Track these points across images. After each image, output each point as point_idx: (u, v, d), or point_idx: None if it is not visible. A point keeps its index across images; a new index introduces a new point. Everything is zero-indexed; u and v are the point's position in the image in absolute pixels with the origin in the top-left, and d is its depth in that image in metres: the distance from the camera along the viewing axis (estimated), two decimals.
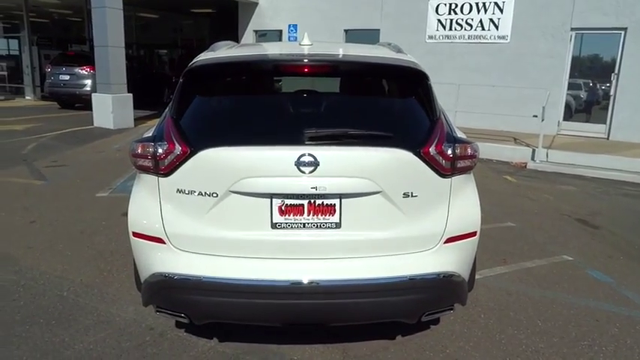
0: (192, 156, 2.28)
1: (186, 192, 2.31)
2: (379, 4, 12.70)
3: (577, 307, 3.44)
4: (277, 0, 14.20)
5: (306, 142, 2.25)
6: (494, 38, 11.50)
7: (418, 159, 2.30)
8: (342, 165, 2.25)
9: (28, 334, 2.95)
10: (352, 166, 2.26)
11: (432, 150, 2.31)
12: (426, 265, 2.37)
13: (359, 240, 2.32)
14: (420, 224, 2.37)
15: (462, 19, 11.80)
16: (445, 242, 2.41)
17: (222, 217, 2.30)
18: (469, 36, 11.75)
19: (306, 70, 2.48)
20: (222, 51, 2.85)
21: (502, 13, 11.35)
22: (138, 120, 11.96)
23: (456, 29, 11.89)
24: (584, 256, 4.46)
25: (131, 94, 11.54)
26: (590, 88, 11.60)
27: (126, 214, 2.53)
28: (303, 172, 2.22)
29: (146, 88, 14.98)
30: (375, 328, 2.92)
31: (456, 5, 11.80)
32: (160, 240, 2.37)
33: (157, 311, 2.50)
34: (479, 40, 11.61)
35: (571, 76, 11.19)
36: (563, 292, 3.68)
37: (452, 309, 2.53)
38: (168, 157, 2.31)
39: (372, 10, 12.75)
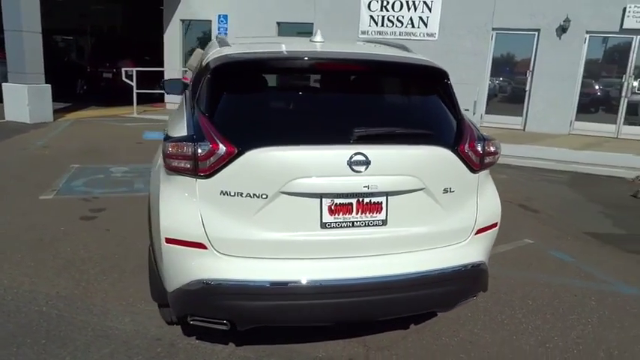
0: (239, 156, 2.17)
1: (232, 194, 2.20)
2: None
3: (554, 285, 3.76)
4: None
5: (356, 141, 2.24)
6: (424, 35, 12.03)
7: (455, 156, 2.40)
8: (391, 163, 2.28)
9: (18, 358, 2.66)
10: (400, 164, 2.30)
11: (466, 147, 2.42)
12: (462, 257, 2.48)
13: (404, 236, 2.36)
14: (456, 218, 2.48)
15: (394, 16, 12.21)
16: (475, 234, 2.53)
17: (271, 219, 2.23)
18: (400, 33, 12.18)
19: (343, 68, 2.46)
20: (241, 46, 2.74)
21: (430, 11, 11.91)
22: (56, 113, 11.02)
23: (387, 26, 12.27)
24: (539, 238, 4.87)
25: (49, 85, 10.58)
26: (508, 84, 12.57)
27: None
28: (355, 171, 2.21)
29: (57, 79, 13.85)
30: (389, 319, 3.00)
31: (388, 2, 12.18)
32: (200, 245, 2.23)
33: (192, 320, 2.37)
34: (409, 37, 12.07)
35: (492, 73, 12.05)
36: (538, 273, 4.01)
37: (476, 296, 2.67)
38: (211, 157, 2.18)
39: (306, 4, 12.75)
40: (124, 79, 12.48)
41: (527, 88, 11.69)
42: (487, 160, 2.51)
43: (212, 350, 2.78)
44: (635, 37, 10.79)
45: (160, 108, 13.92)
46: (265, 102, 2.47)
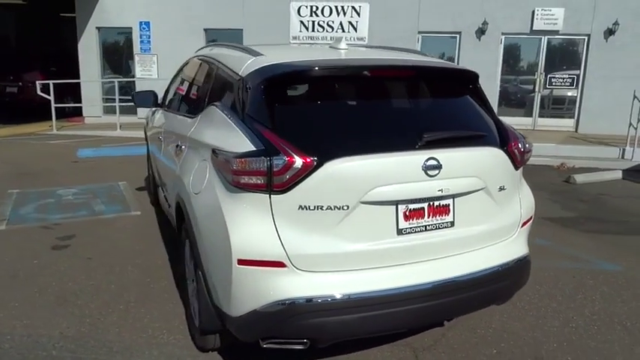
0: (317, 168, 2.09)
1: (312, 208, 2.11)
2: (240, 3, 12.54)
3: (553, 269, 4.04)
4: None
5: (426, 146, 2.25)
6: (354, 40, 12.30)
7: (505, 155, 2.50)
8: (459, 166, 2.32)
9: None
10: (465, 165, 2.35)
11: (513, 146, 2.53)
12: (515, 250, 2.58)
13: (469, 235, 2.41)
14: (507, 214, 2.57)
15: (324, 21, 12.37)
16: (520, 227, 2.66)
17: (350, 230, 2.16)
18: (331, 37, 12.34)
19: (398, 75, 2.47)
20: (276, 54, 2.63)
21: (359, 16, 12.23)
22: None
23: (318, 31, 12.41)
24: None
25: None
26: None
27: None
28: (429, 176, 2.22)
29: None
30: None
31: (317, 8, 12.31)
32: (279, 264, 2.11)
33: (267, 344, 2.24)
34: None
35: None
36: (534, 259, 4.27)
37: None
38: (288, 172, 2.07)
39: (234, 9, 12.52)
40: (39, 92, 11.40)
41: None
42: (526, 157, 2.65)
43: None
44: (543, 37, 11.89)
45: (79, 123, 12.95)
46: (330, 111, 2.39)
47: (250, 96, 2.36)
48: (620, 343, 3.00)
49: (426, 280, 2.27)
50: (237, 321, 2.25)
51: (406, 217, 2.25)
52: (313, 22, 12.38)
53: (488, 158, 2.44)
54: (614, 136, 10.52)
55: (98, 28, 13.30)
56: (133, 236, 4.61)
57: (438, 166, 2.23)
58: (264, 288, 2.14)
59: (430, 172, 2.22)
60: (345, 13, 12.24)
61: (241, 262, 2.13)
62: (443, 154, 2.26)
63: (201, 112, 2.94)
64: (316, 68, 2.36)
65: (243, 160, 2.11)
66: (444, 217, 2.34)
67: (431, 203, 2.30)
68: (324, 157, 2.10)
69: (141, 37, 13.07)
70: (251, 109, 2.32)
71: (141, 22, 12.98)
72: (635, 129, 9.35)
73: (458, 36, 12.11)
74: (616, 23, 11.33)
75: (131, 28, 13.06)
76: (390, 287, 2.20)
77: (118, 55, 13.91)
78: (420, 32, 12.16)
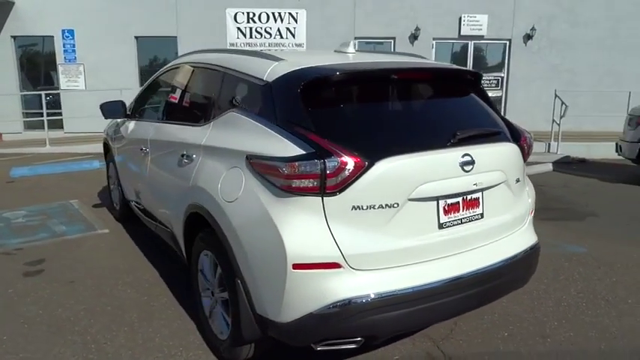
0: (369, 169, 2.13)
1: (364, 207, 2.14)
2: (174, 9, 12.19)
3: None
4: (44, 0, 12.07)
5: (458, 143, 2.36)
6: (293, 46, 12.42)
7: (519, 149, 2.69)
8: (488, 160, 2.45)
9: None
10: (492, 160, 2.49)
11: (522, 141, 2.73)
12: (529, 238, 2.78)
13: (495, 226, 2.55)
14: (521, 204, 2.76)
15: (261, 28, 12.35)
16: (529, 216, 2.87)
17: (399, 227, 2.22)
18: (269, 44, 12.37)
19: (417, 77, 2.60)
20: (298, 59, 2.63)
21: (297, 22, 12.36)
22: None
23: (256, 37, 12.37)
24: None
25: None
26: None
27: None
28: (465, 171, 2.34)
29: None
30: None
31: (254, 14, 12.27)
32: (335, 265, 2.12)
33: (322, 346, 2.23)
34: (279, 48, 12.35)
35: None
36: None
37: None
38: (341, 173, 2.09)
39: (168, 16, 12.14)
40: None
41: None
42: (531, 151, 2.86)
43: None
44: (470, 42, 12.70)
45: None
46: (367, 113, 2.43)
47: (285, 100, 2.35)
48: (609, 316, 3.31)
49: (465, 270, 2.38)
50: (288, 326, 2.22)
51: (445, 212, 2.36)
52: (251, 28, 12.33)
53: (508, 153, 2.61)
54: (537, 132, 11.43)
55: (14, 37, 12.32)
56: (110, 255, 4.34)
57: (472, 162, 2.36)
58: (320, 290, 2.14)
59: (466, 168, 2.35)
60: (282, 20, 12.31)
61: (296, 266, 2.12)
62: (474, 150, 2.39)
63: (211, 119, 2.86)
64: (349, 72, 2.41)
65: (294, 164, 2.10)
66: (475, 209, 2.47)
67: (465, 197, 2.42)
68: (374, 157, 2.15)
69: (64, 46, 12.29)
70: (288, 114, 2.31)
71: (64, 30, 12.22)
72: (559, 125, 10.25)
73: (393, 41, 12.61)
74: (533, 29, 12.38)
75: (53, 36, 12.25)
76: (436, 280, 2.29)
77: (38, 65, 12.97)
78: (356, 38, 12.48)
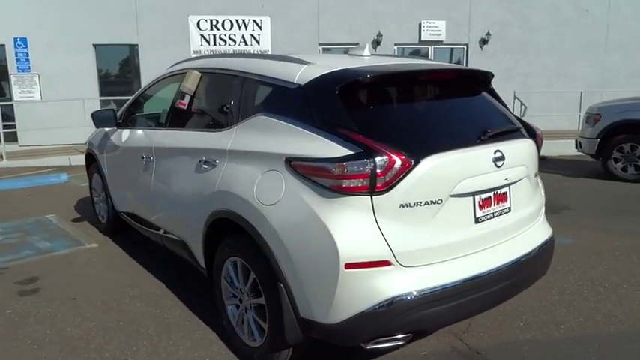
0: (414, 167, 2.18)
1: (411, 205, 2.19)
2: (134, 17, 11.87)
3: None
4: None
5: (489, 140, 2.47)
6: (258, 53, 12.37)
7: (535, 145, 2.83)
8: (515, 156, 2.57)
9: None
10: (517, 156, 2.61)
11: (537, 137, 2.88)
12: (546, 229, 2.92)
13: (521, 219, 2.67)
14: (538, 197, 2.90)
15: (225, 35, 12.24)
16: (543, 209, 3.01)
17: (442, 223, 2.28)
18: (234, 51, 12.28)
19: (443, 78, 2.71)
20: (325, 62, 2.65)
21: (261, 29, 12.33)
22: None
23: (220, 44, 12.24)
24: None
25: None
26: None
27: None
28: (497, 167, 2.44)
29: None
30: None
31: (217, 22, 12.15)
32: (386, 263, 2.15)
33: (372, 344, 2.25)
34: None
35: None
36: None
37: None
38: (390, 172, 2.13)
39: (127, 24, 11.81)
40: None
41: None
42: (541, 146, 3.02)
43: None
44: (430, 47, 13.10)
45: None
46: (404, 113, 2.48)
47: (323, 102, 2.36)
48: (610, 301, 3.51)
49: (500, 262, 2.47)
50: (338, 327, 2.22)
51: (480, 207, 2.45)
52: (214, 35, 12.19)
53: (528, 148, 2.74)
54: None
55: None
56: (107, 269, 4.17)
57: (503, 158, 2.47)
58: (371, 289, 2.16)
59: (498, 163, 2.45)
60: (246, 27, 12.26)
61: (349, 265, 2.13)
62: (503, 147, 2.50)
63: (234, 124, 2.83)
64: (382, 74, 2.46)
65: (344, 164, 2.12)
66: (504, 203, 2.57)
67: (496, 192, 2.52)
68: (418, 155, 2.20)
69: (17, 55, 11.72)
70: (326, 115, 2.33)
71: (16, 39, 11.65)
72: None
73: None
74: (488, 34, 12.93)
75: (4, 45, 11.63)
76: (477, 272, 2.36)
77: None
78: (321, 44, 12.63)
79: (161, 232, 3.67)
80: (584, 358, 2.82)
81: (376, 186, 2.14)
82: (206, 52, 12.16)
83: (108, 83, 12.44)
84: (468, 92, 2.84)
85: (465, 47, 13.17)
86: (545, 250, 2.82)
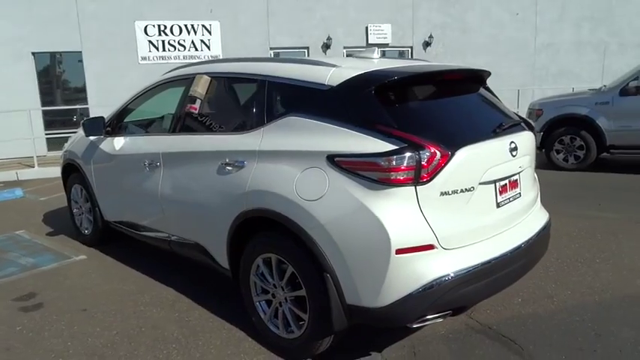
0: (452, 158, 2.40)
1: (450, 192, 2.41)
2: (75, 22, 11.38)
3: None
4: None
5: (504, 132, 2.76)
6: (209, 57, 12.26)
7: (534, 136, 3.16)
8: (525, 146, 2.88)
9: None
10: (525, 146, 2.91)
11: (534, 129, 3.21)
12: (544, 213, 3.26)
13: (528, 203, 2.97)
14: (536, 184, 3.25)
15: (175, 40, 12.04)
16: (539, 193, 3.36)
17: (474, 208, 2.52)
18: (184, 56, 12.10)
19: (460, 77, 2.98)
20: (349, 64, 2.83)
21: (211, 34, 12.24)
22: None
23: (169, 50, 12.02)
24: None
25: None
26: None
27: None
28: (513, 156, 2.73)
29: None
30: None
31: (165, 27, 11.93)
32: (430, 247, 2.35)
33: (418, 323, 2.46)
34: (195, 60, 12.12)
35: None
36: None
37: None
38: (432, 163, 2.34)
39: (69, 30, 11.31)
40: None
41: None
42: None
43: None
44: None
45: None
46: (434, 109, 2.70)
47: (359, 102, 2.53)
48: (589, 274, 3.92)
49: (519, 242, 2.76)
50: (386, 310, 2.40)
51: (500, 192, 2.72)
52: (163, 41, 11.96)
53: (531, 139, 3.07)
54: None
55: None
56: (107, 279, 4.08)
57: (516, 148, 2.76)
58: (418, 271, 2.36)
59: (513, 153, 2.74)
60: (195, 32, 12.12)
61: (399, 251, 2.32)
62: (515, 138, 2.80)
63: (261, 125, 2.91)
64: (408, 74, 2.68)
65: (392, 157, 2.31)
66: (516, 189, 2.87)
67: (510, 179, 2.81)
68: (454, 147, 2.43)
69: None
70: (365, 114, 2.50)
71: None
72: None
73: (306, 50, 13.03)
74: (430, 36, 13.61)
75: None
76: (502, 252, 2.63)
77: None
78: (271, 48, 12.73)
79: (169, 236, 3.66)
80: (582, 327, 3.15)
81: (421, 176, 2.35)
82: (155, 59, 11.90)
83: (49, 92, 11.83)
84: (478, 89, 3.12)
85: (410, 49, 13.77)
86: (547, 230, 3.16)
